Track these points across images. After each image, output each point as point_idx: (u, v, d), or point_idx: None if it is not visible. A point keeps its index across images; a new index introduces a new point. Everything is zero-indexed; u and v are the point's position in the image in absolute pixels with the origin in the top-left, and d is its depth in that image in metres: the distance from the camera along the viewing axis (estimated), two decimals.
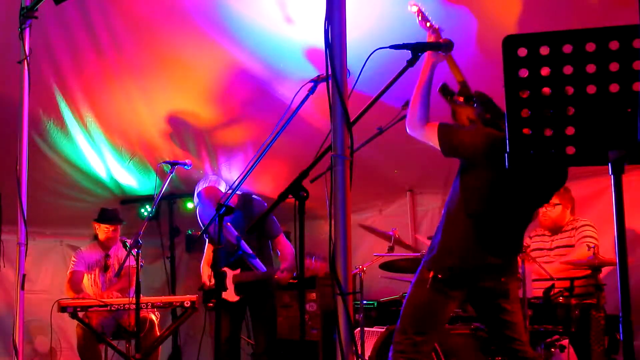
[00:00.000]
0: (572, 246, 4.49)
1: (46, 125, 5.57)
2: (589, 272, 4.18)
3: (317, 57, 4.52)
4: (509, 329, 3.11)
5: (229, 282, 4.65)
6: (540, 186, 3.10)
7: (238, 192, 4.66)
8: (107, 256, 5.57)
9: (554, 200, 4.50)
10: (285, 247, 4.78)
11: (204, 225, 4.67)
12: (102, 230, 5.59)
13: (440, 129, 3.04)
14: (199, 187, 4.79)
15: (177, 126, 5.85)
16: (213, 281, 4.61)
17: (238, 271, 4.65)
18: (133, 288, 4.59)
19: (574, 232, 4.54)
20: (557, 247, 4.59)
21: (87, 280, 5.54)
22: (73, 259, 5.61)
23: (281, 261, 4.75)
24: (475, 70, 3.75)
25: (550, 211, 4.59)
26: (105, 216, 5.61)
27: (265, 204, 4.82)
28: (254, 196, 4.85)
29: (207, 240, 4.91)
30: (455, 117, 3.19)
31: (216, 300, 4.46)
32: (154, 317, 5.38)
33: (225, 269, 4.66)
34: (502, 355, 3.79)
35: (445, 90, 3.17)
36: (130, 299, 4.71)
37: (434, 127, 3.05)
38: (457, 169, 3.16)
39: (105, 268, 5.53)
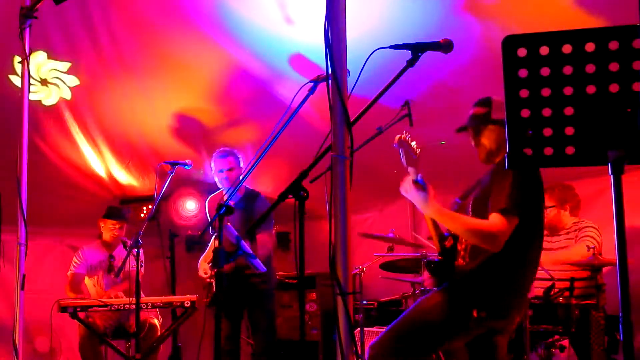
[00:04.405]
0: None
1: (46, 125, 5.57)
2: (588, 273, 4.18)
3: (317, 58, 4.52)
4: None
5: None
6: None
7: (247, 187, 4.71)
8: (111, 257, 5.47)
9: (548, 202, 4.44)
10: (260, 247, 4.54)
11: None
12: (108, 228, 5.53)
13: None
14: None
15: (177, 126, 5.85)
16: (208, 274, 4.54)
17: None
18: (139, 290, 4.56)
19: (577, 233, 4.45)
20: (560, 248, 4.49)
21: (89, 282, 5.48)
22: (74, 260, 5.54)
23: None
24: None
25: (546, 214, 4.50)
26: (113, 213, 5.59)
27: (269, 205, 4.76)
28: (261, 195, 4.78)
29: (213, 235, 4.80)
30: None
31: (217, 300, 4.45)
32: (156, 322, 5.33)
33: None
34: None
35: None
36: (131, 299, 4.69)
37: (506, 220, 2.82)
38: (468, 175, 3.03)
39: (109, 269, 5.43)
